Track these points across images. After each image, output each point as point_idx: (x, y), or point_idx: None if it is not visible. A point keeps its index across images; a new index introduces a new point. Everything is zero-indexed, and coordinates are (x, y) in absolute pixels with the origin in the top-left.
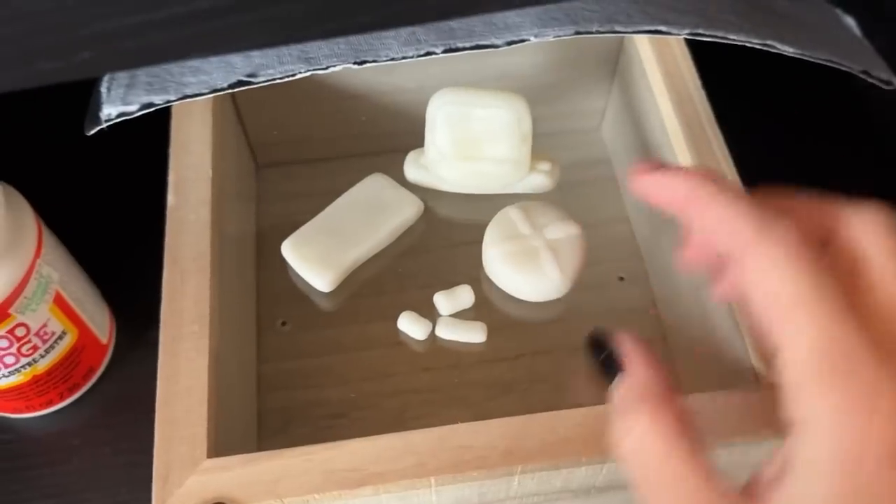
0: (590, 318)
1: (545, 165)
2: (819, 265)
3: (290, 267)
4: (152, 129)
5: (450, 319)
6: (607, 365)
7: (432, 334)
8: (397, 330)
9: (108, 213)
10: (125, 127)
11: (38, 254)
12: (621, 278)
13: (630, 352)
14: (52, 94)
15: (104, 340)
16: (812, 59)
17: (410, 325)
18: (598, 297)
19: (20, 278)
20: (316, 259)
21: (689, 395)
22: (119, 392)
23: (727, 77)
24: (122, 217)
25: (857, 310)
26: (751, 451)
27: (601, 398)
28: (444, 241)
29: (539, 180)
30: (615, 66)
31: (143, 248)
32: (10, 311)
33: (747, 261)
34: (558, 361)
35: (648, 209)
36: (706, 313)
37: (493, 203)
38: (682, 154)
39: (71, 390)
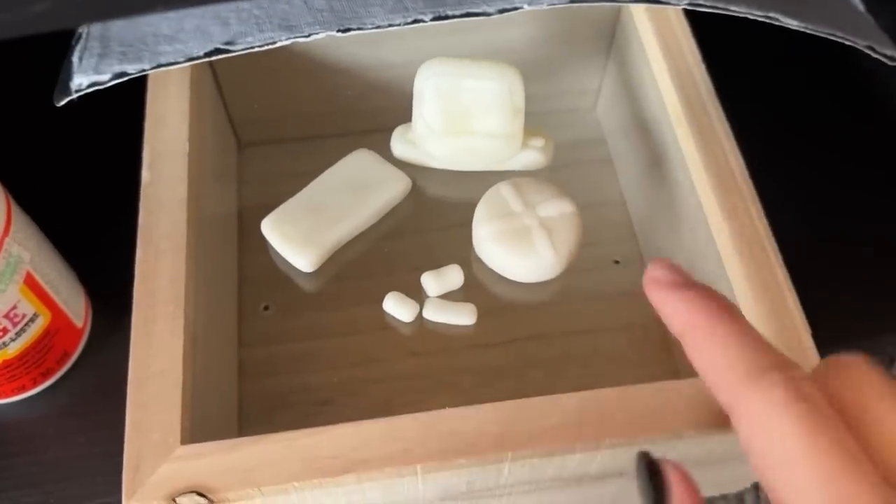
0: (584, 302)
1: (538, 141)
2: (816, 413)
3: (272, 247)
4: (128, 102)
5: (438, 301)
6: (654, 488)
7: (419, 316)
8: (384, 313)
9: (83, 192)
10: (100, 100)
11: (6, 232)
12: (616, 261)
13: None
14: (21, 67)
15: (79, 324)
16: (816, 33)
17: (396, 307)
18: (592, 281)
19: None
20: (297, 238)
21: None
22: (95, 378)
23: (727, 52)
24: (99, 197)
25: (861, 457)
26: None
27: (602, 368)
28: (432, 220)
29: (532, 156)
30: (611, 42)
31: (120, 229)
32: None
33: (735, 414)
34: (552, 346)
35: (644, 192)
36: None
37: (483, 180)
38: (681, 129)
39: (44, 375)
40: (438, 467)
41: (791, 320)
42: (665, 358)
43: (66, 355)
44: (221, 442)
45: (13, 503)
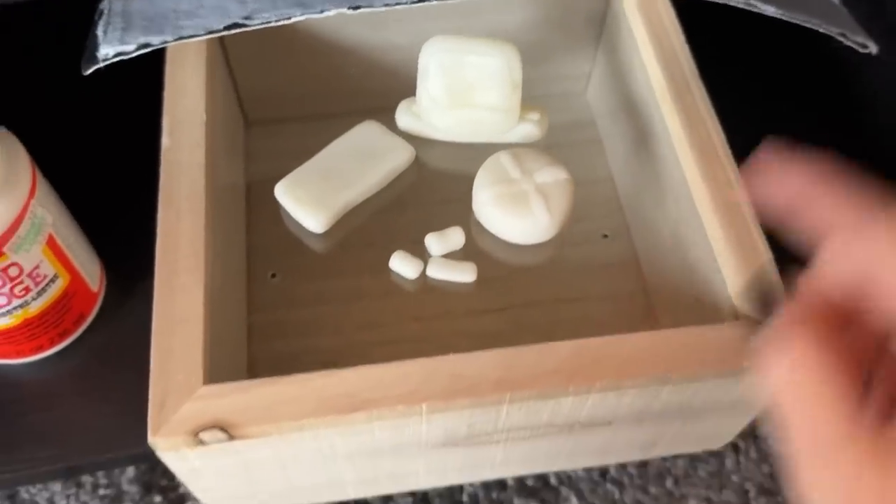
0: (574, 273)
1: (534, 115)
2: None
3: (283, 211)
4: (135, 81)
5: (441, 259)
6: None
7: (422, 277)
8: (387, 279)
9: (94, 166)
10: (111, 76)
11: (32, 194)
12: (605, 235)
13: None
14: (48, 39)
15: (94, 288)
16: (791, 21)
17: (402, 265)
18: (582, 253)
19: (14, 217)
20: (309, 200)
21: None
22: (109, 342)
23: (711, 37)
24: (112, 170)
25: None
26: (729, 385)
27: (590, 333)
28: (434, 189)
29: (528, 129)
30: (601, 29)
31: (133, 200)
32: (4, 249)
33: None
34: (544, 313)
35: (631, 168)
36: (687, 264)
37: (482, 152)
38: (667, 108)
39: (61, 336)
40: (443, 407)
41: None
42: (650, 326)
43: (82, 317)
44: (241, 382)
45: (30, 458)
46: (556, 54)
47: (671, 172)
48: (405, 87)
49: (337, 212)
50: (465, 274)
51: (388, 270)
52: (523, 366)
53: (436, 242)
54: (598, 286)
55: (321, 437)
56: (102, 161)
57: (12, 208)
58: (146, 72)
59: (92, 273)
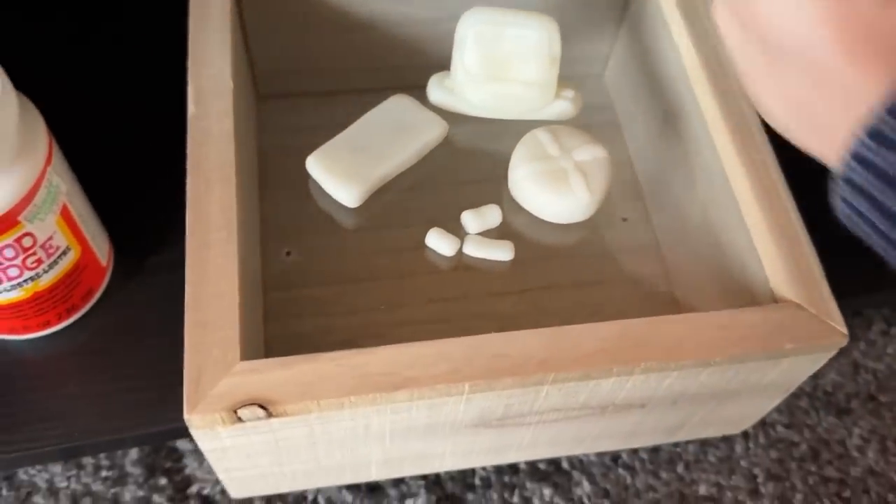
0: (594, 257)
1: (569, 92)
2: None
3: (304, 186)
4: (145, 51)
5: (477, 237)
6: None
7: (460, 251)
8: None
9: (103, 133)
10: (124, 47)
11: (48, 161)
12: (624, 219)
13: None
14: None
15: (104, 262)
16: None
17: (439, 242)
18: (601, 237)
19: (31, 184)
20: (342, 173)
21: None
22: (117, 318)
23: None
24: (116, 140)
25: None
26: (768, 368)
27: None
28: (466, 166)
29: (563, 106)
30: (624, 10)
31: (140, 176)
32: (20, 218)
33: None
34: (564, 297)
35: (655, 150)
36: (717, 248)
37: (515, 129)
38: (700, 88)
39: (69, 311)
40: (485, 387)
41: (806, 261)
42: (672, 311)
43: (91, 292)
44: (278, 359)
45: (37, 435)
46: (576, 35)
47: (702, 153)
48: (427, 64)
49: (371, 185)
50: (503, 252)
51: (426, 238)
52: (567, 346)
53: (472, 220)
54: (618, 270)
55: (359, 415)
56: (107, 130)
57: (30, 175)
58: (153, 43)
59: (102, 247)
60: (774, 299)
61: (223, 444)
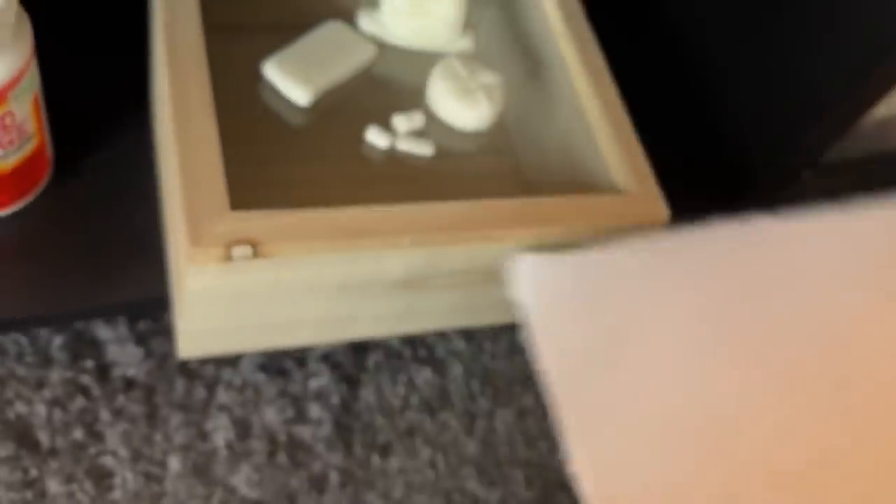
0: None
1: (470, 31)
2: None
3: (266, 86)
4: None
5: (406, 136)
6: None
7: (392, 147)
8: (360, 149)
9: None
10: None
11: (34, 54)
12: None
13: None
14: None
15: (49, 155)
16: None
17: (376, 137)
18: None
19: (21, 66)
20: (296, 76)
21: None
22: (58, 206)
23: None
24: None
25: None
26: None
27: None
28: (392, 82)
29: (467, 43)
30: None
31: (77, 73)
32: (9, 95)
33: None
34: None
35: (521, 96)
36: (572, 163)
37: (429, 58)
38: (563, 40)
39: (20, 196)
40: (423, 241)
41: (644, 170)
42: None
43: (36, 183)
44: (263, 210)
45: None
46: None
47: (562, 90)
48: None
49: (321, 88)
50: (426, 148)
51: (366, 133)
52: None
53: (402, 121)
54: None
55: (324, 262)
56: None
57: (21, 56)
58: None
59: (49, 141)
60: (620, 192)
61: (205, 284)
